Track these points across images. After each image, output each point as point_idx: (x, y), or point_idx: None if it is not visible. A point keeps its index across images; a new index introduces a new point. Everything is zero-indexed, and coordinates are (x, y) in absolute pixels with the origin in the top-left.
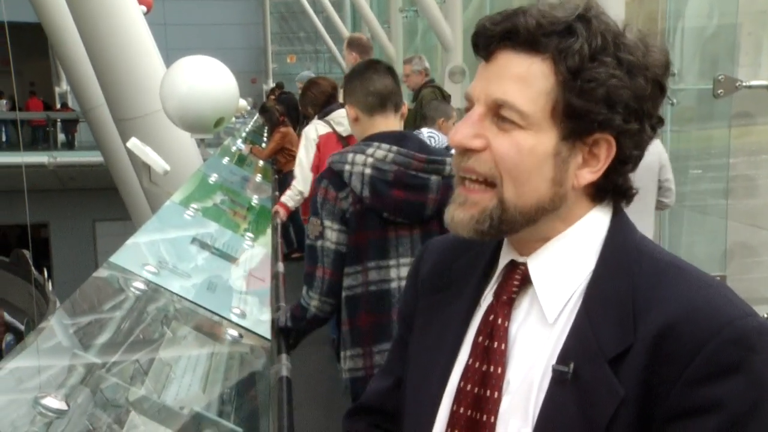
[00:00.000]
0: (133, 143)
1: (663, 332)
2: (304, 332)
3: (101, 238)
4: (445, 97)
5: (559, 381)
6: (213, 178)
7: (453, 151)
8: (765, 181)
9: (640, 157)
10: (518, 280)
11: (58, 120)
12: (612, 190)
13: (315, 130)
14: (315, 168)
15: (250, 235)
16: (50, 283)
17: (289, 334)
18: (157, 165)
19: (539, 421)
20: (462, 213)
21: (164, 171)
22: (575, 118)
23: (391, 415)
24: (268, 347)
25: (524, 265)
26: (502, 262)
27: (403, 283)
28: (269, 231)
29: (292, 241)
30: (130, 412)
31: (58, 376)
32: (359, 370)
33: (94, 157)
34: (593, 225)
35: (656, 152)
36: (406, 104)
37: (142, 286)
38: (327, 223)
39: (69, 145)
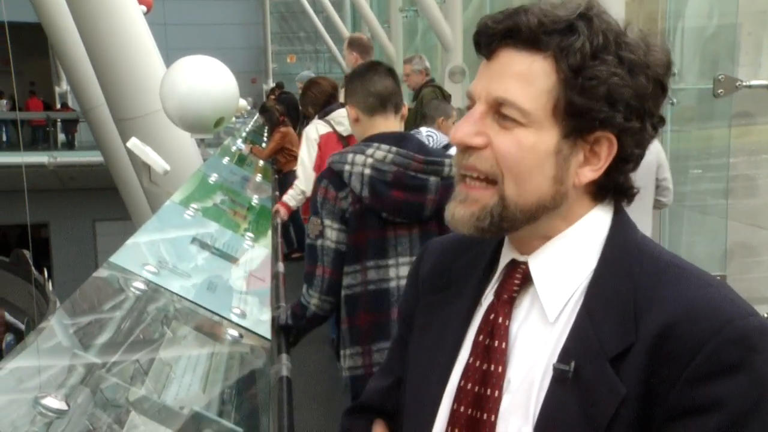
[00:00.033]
0: (133, 143)
1: (664, 331)
2: (304, 330)
3: (101, 238)
4: (446, 97)
5: (559, 380)
6: (213, 178)
7: (453, 151)
8: (765, 180)
9: (641, 156)
10: (519, 279)
11: (58, 120)
12: (613, 188)
13: (315, 130)
14: (316, 167)
15: (251, 235)
16: (50, 283)
17: (289, 332)
18: (157, 165)
19: (540, 419)
20: (463, 210)
21: (164, 171)
22: (576, 116)
23: (391, 414)
24: (268, 347)
25: (525, 264)
26: (503, 261)
27: (402, 282)
28: (269, 231)
29: (293, 241)
30: (130, 412)
31: (58, 376)
32: (359, 369)
33: (94, 157)
34: (594, 224)
35: (654, 151)
36: (407, 105)
37: (142, 286)
38: (327, 222)
39: (69, 145)
